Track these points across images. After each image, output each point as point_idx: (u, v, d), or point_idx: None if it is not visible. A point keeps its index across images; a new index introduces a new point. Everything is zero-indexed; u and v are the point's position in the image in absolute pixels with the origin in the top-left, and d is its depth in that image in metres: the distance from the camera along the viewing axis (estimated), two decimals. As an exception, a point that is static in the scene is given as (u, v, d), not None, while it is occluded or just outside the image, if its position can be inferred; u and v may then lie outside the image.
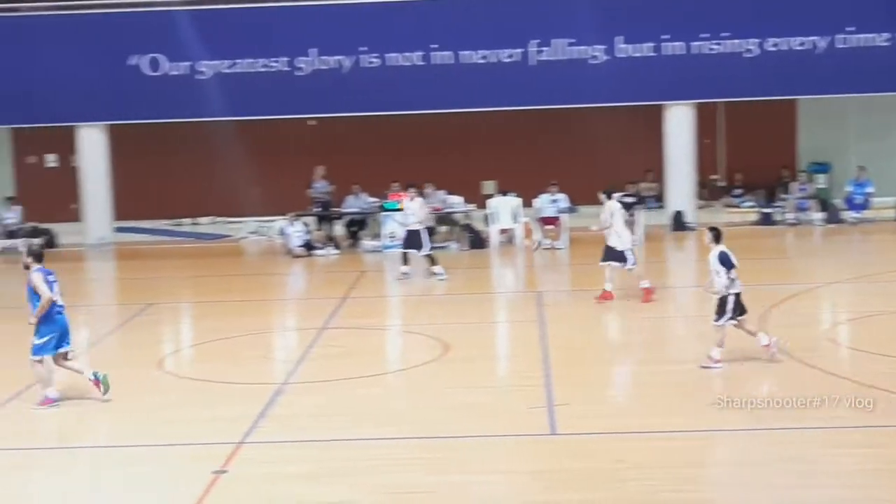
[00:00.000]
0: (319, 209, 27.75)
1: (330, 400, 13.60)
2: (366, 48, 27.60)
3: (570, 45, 27.44)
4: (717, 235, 14.32)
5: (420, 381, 14.63)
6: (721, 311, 14.10)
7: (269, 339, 18.07)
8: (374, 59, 27.62)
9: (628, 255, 18.72)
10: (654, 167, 29.26)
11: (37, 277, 13.87)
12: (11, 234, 28.55)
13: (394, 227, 25.45)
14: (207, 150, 31.01)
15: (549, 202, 26.12)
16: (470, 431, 12.15)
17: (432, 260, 21.85)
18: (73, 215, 29.79)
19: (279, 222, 27.69)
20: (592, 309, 18.39)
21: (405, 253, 21.94)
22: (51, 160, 32.02)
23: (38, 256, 14.17)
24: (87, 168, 28.78)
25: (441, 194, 27.03)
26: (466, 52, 27.52)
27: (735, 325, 14.25)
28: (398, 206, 25.94)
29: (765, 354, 14.27)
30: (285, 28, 27.87)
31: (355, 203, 27.54)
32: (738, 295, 14.09)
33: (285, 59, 27.73)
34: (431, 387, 14.08)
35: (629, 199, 24.95)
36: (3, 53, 27.80)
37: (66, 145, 29.89)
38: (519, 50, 27.48)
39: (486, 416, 12.69)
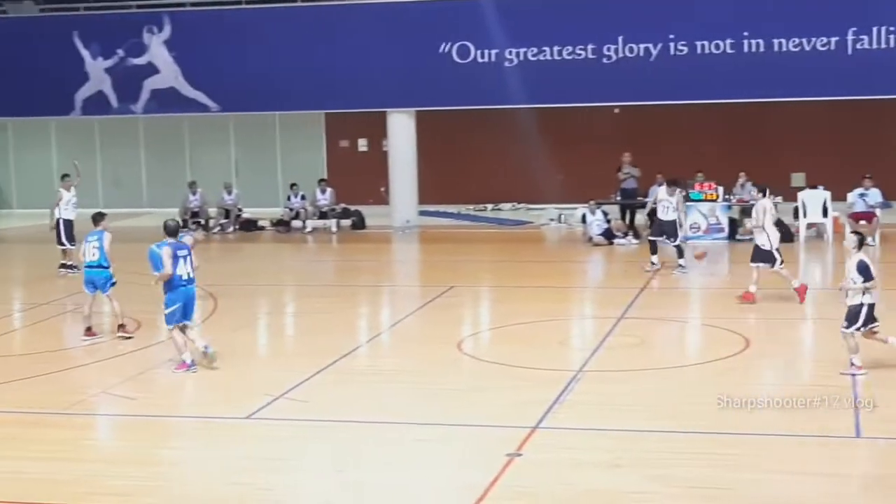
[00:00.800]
0: (622, 198, 27.54)
1: (625, 390, 13.44)
2: (674, 36, 27.16)
3: (891, 32, 26.12)
4: (860, 241, 13.85)
5: (716, 375, 14.26)
6: (852, 319, 13.63)
7: (566, 325, 18.05)
8: (683, 47, 27.15)
9: (776, 255, 18.32)
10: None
11: (166, 251, 14.76)
12: (323, 215, 29.74)
13: (697, 217, 24.98)
14: (511, 137, 31.35)
15: (858, 197, 25.01)
16: (764, 429, 11.75)
17: (680, 252, 21.62)
18: (381, 198, 30.72)
19: (580, 210, 27.66)
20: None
21: (654, 243, 21.77)
22: (362, 144, 33.12)
23: (170, 231, 15.12)
24: (395, 153, 29.58)
25: (748, 186, 26.34)
26: (779, 40, 26.65)
27: (864, 335, 13.69)
28: (702, 197, 25.47)
29: None
30: (593, 15, 27.77)
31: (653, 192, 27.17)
32: (871, 305, 13.57)
33: (592, 46, 27.63)
34: (728, 382, 13.69)
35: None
36: (319, 42, 28.90)
37: (376, 130, 30.83)
38: (835, 38, 26.39)
39: (783, 414, 12.25)
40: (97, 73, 30.28)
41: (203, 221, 29.86)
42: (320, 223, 29.71)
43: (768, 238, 18.43)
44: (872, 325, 13.72)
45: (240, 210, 30.38)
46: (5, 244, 29.09)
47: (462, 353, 15.83)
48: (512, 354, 15.39)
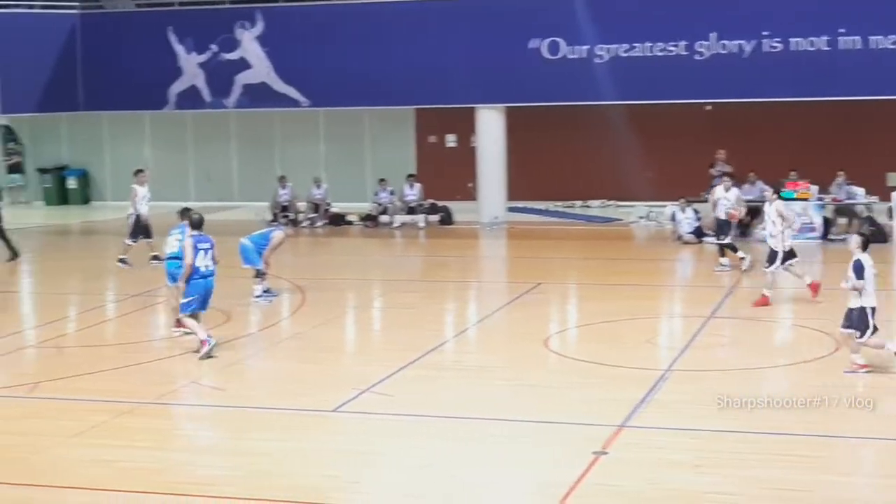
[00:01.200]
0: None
1: (713, 390, 13.27)
2: (768, 32, 26.79)
3: None
4: (864, 243, 13.81)
5: (806, 376, 14.05)
6: (860, 325, 13.59)
7: (653, 324, 17.90)
8: (777, 44, 26.77)
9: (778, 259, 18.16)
10: None
11: (187, 243, 15.27)
12: (411, 210, 29.83)
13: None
14: (600, 134, 31.18)
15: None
16: (850, 432, 11.56)
17: (723, 251, 21.68)
18: (469, 194, 30.72)
19: (670, 208, 27.42)
20: None
21: (721, 245, 21.74)
22: (450, 140, 33.15)
23: (195, 224, 15.57)
24: (484, 149, 29.56)
25: (844, 185, 25.94)
26: (876, 37, 26.15)
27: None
28: (794, 196, 25.11)
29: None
30: (685, 12, 27.50)
31: (750, 191, 26.81)
32: (872, 309, 13.52)
33: (684, 43, 27.36)
34: (817, 383, 13.47)
35: None
36: (409, 37, 28.98)
37: (465, 126, 30.85)
38: (935, 34, 25.86)
39: (872, 417, 12.03)
40: (191, 67, 30.68)
41: (292, 215, 30.11)
42: (408, 218, 29.80)
43: (781, 241, 18.26)
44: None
45: (328, 204, 30.59)
46: (99, 235, 29.59)
47: (549, 351, 15.78)
48: (599, 352, 15.31)
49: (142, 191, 23.53)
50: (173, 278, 16.72)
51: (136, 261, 23.17)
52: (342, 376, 14.55)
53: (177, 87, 30.81)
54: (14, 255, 24.26)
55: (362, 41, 29.27)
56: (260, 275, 19.38)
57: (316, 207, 30.43)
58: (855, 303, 13.63)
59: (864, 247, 13.83)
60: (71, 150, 36.55)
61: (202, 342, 15.32)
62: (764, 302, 18.14)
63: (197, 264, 15.35)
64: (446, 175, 31.91)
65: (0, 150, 36.70)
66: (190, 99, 30.90)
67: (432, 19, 28.95)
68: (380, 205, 30.14)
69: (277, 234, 20.04)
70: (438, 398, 13.28)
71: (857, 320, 13.63)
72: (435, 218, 29.97)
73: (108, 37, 31.26)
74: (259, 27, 30.00)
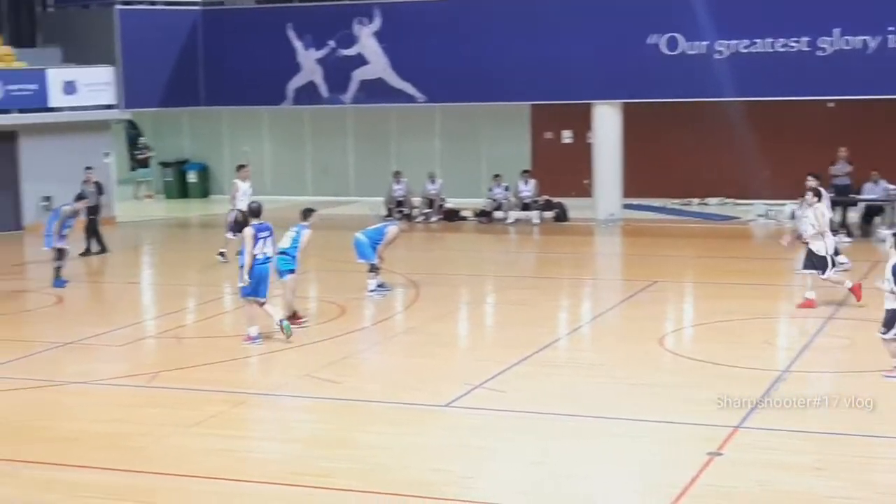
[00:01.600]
0: (835, 194, 26.68)
1: (830, 392, 13.02)
2: (893, 28, 26.14)
3: None
4: None
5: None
6: (889, 324, 13.21)
7: (771, 324, 17.63)
8: (903, 39, 26.14)
9: (829, 261, 17.77)
10: None
11: (247, 232, 15.81)
12: (526, 207, 29.76)
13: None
14: (719, 131, 30.76)
15: None
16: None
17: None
18: (584, 191, 30.56)
19: (789, 206, 26.94)
20: None
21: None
22: (566, 136, 33.01)
23: (253, 213, 16.16)
24: (600, 145, 29.37)
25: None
26: None
27: None
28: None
29: None
30: (808, 7, 26.98)
31: (873, 190, 26.24)
32: None
33: (806, 38, 26.83)
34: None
35: None
36: (525, 33, 28.87)
37: (581, 122, 30.68)
38: None
39: None
40: (309, 63, 31.01)
41: (407, 210, 30.27)
42: (522, 214, 29.75)
43: (825, 244, 17.86)
44: None
45: (443, 200, 30.68)
46: (217, 229, 30.04)
47: (664, 349, 15.63)
48: (715, 352, 15.12)
49: (243, 186, 23.75)
50: (278, 273, 16.91)
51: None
52: (455, 371, 14.60)
53: (295, 83, 31.17)
54: (103, 249, 24.65)
55: (479, 37, 29.28)
56: (374, 269, 19.52)
57: (430, 203, 30.55)
58: (892, 304, 13.27)
59: None
60: (191, 145, 37.23)
61: (248, 336, 15.87)
62: (809, 304, 17.79)
63: (254, 251, 15.82)
64: (562, 171, 31.78)
65: (125, 144, 37.49)
66: (308, 95, 31.24)
67: (550, 14, 28.82)
68: (494, 201, 30.14)
69: (392, 228, 20.16)
70: (551, 395, 13.24)
71: (889, 320, 13.35)
72: (549, 214, 29.87)
73: (229, 33, 31.76)
74: (377, 23, 30.20)
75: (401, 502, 10.10)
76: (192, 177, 36.55)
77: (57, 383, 14.56)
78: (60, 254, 21.03)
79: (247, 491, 10.49)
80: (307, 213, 17.58)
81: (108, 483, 10.70)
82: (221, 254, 23.21)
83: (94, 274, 23.08)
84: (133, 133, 37.94)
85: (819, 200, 18.49)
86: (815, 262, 17.90)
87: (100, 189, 24.88)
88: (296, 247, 17.04)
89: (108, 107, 30.34)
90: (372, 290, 19.41)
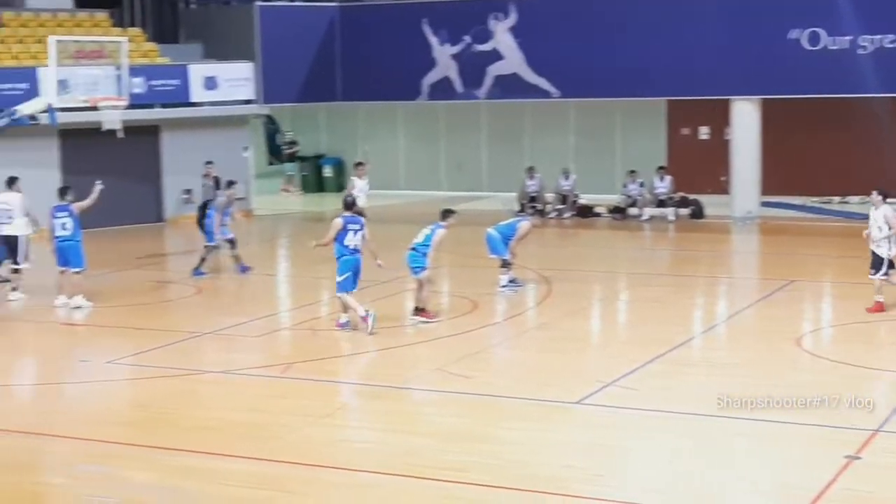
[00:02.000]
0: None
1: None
2: None
3: None
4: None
5: None
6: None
7: (914, 326, 17.13)
8: None
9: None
10: None
11: (336, 221, 16.40)
12: (661, 203, 29.44)
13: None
14: (861, 128, 30.04)
15: None
16: None
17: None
18: (721, 188, 30.11)
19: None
20: None
21: None
22: (703, 132, 32.57)
23: (346, 205, 16.87)
24: (738, 141, 28.91)
25: None
26: None
27: None
28: None
29: None
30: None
31: None
32: None
33: (952, 32, 26.06)
34: None
35: None
36: (661, 28, 28.57)
37: (719, 118, 30.25)
38: None
39: None
40: (444, 59, 31.14)
41: (540, 206, 30.20)
42: (657, 211, 29.43)
43: (889, 246, 17.20)
44: None
45: (577, 196, 30.52)
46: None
47: (801, 350, 15.32)
48: (854, 353, 14.77)
49: (360, 183, 23.96)
50: (414, 271, 16.98)
51: (391, 247, 23.65)
52: (586, 368, 14.53)
53: (430, 79, 31.33)
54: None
55: (615, 31, 29.06)
56: (506, 265, 19.51)
57: (564, 199, 30.41)
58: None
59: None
60: (328, 140, 37.69)
61: (362, 318, 16.16)
62: (879, 308, 17.14)
63: (347, 243, 16.33)
64: (698, 168, 31.37)
65: (264, 139, 38.11)
66: (442, 90, 31.37)
67: (687, 8, 28.47)
68: (629, 197, 29.88)
69: (524, 224, 20.12)
70: (683, 394, 13.08)
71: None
72: (685, 211, 29.50)
73: (366, 29, 32.04)
74: (512, 18, 30.18)
75: (533, 498, 10.08)
76: (327, 171, 37.01)
77: (195, 372, 14.89)
78: (232, 244, 21.46)
79: (378, 483, 10.58)
80: (447, 213, 17.59)
81: (245, 471, 10.89)
82: None
83: (232, 266, 23.51)
84: (272, 128, 38.58)
85: (884, 202, 17.80)
86: (873, 263, 17.40)
87: (217, 184, 25.17)
88: (427, 244, 17.09)
89: (247, 102, 30.90)
90: (504, 286, 19.41)
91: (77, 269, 18.80)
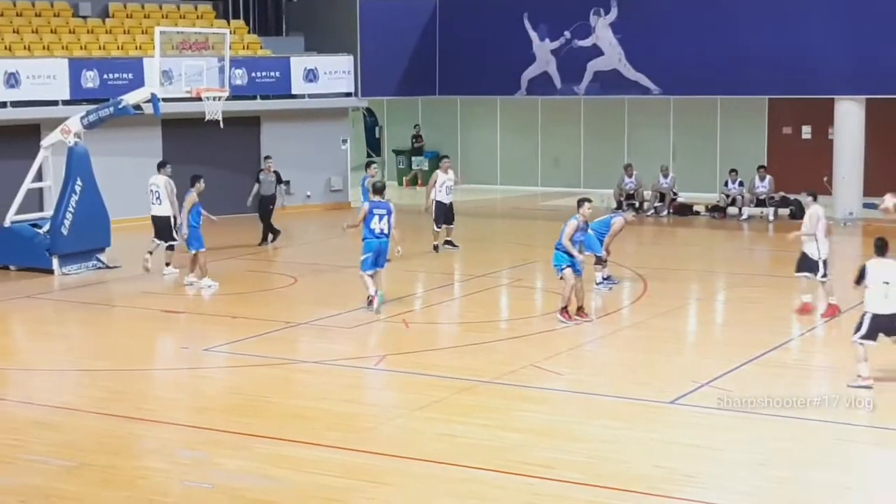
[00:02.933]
0: None
1: None
2: None
3: None
4: (879, 247, 13.60)
5: None
6: (858, 327, 12.88)
7: None
8: None
9: (822, 266, 17.25)
10: None
11: (364, 206, 17.56)
12: (761, 203, 29.04)
13: None
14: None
15: None
16: None
17: None
18: (823, 188, 29.64)
19: None
20: None
21: None
22: (806, 132, 32.08)
23: (377, 190, 17.66)
24: (841, 141, 28.42)
25: None
26: None
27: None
28: None
29: None
30: None
31: None
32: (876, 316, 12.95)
33: None
34: None
35: None
36: (764, 25, 28.18)
37: (822, 117, 29.77)
38: None
39: None
40: (543, 54, 31.06)
41: (637, 203, 29.99)
42: (757, 211, 29.05)
43: (817, 247, 17.17)
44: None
45: (675, 194, 30.25)
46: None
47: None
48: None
49: (443, 177, 23.90)
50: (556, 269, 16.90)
51: (497, 242, 23.69)
52: (681, 368, 14.41)
53: (529, 73, 31.28)
54: (264, 239, 24.89)
55: (716, 28, 28.74)
56: (601, 261, 19.41)
57: (661, 196, 30.16)
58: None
59: (879, 251, 13.61)
60: (425, 133, 37.76)
61: (370, 297, 17.25)
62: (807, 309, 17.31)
63: (372, 227, 17.24)
64: (799, 168, 30.89)
65: (370, 135, 38.40)
66: (541, 85, 31.30)
67: (791, 5, 28.05)
68: (728, 196, 29.53)
69: (617, 220, 19.98)
70: (778, 397, 12.87)
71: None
72: (785, 211, 29.08)
73: (466, 23, 32.08)
74: (613, 14, 30.00)
75: (623, 497, 10.04)
76: (424, 164, 37.10)
77: (290, 361, 15.05)
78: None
79: (468, 477, 10.61)
80: (581, 202, 17.33)
81: (336, 461, 10.99)
82: (434, 247, 23.50)
83: (328, 256, 23.70)
84: (370, 121, 38.81)
85: (814, 202, 17.94)
86: (808, 266, 17.52)
87: (279, 178, 25.14)
88: (560, 240, 16.92)
89: (347, 94, 31.12)
90: (599, 283, 19.31)
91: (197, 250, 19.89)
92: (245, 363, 14.90)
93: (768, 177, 29.34)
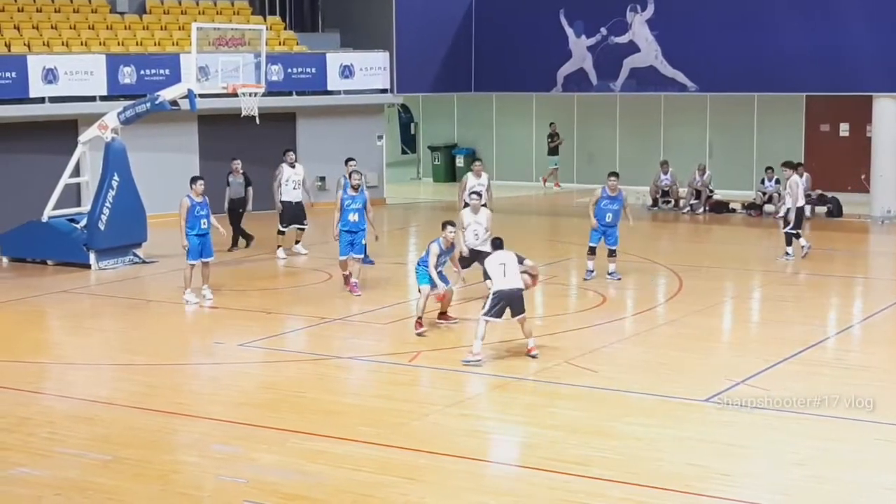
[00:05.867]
0: None
1: None
2: None
3: None
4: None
5: None
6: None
7: None
8: None
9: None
10: None
11: (340, 195, 18.67)
12: (798, 200, 28.82)
13: None
14: None
15: None
16: None
17: None
18: (861, 186, 29.43)
19: None
20: None
21: None
22: (843, 129, 31.85)
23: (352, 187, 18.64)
24: (880, 139, 28.19)
25: None
26: None
27: None
28: None
29: None
30: None
31: None
32: None
33: None
34: None
35: None
36: (801, 22, 27.98)
37: (860, 115, 29.55)
38: None
39: None
40: (580, 50, 30.98)
41: (673, 200, 29.87)
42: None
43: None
44: None
45: (711, 191, 30.10)
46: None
47: (940, 355, 14.89)
48: None
49: (473, 181, 23.34)
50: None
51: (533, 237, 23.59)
52: (716, 366, 14.34)
53: (565, 70, 31.20)
54: (234, 244, 23.51)
55: (753, 25, 28.55)
56: (613, 254, 19.56)
57: (697, 194, 30.03)
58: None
59: None
60: (460, 129, 37.77)
61: (347, 278, 18.89)
62: None
63: (349, 218, 18.59)
64: (837, 165, 30.68)
65: (405, 132, 38.42)
66: (577, 82, 31.22)
67: (830, 2, 27.84)
68: (765, 194, 29.36)
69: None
70: (815, 396, 12.77)
71: None
72: (822, 209, 28.89)
73: (502, 19, 32.03)
74: (650, 10, 29.87)
75: (656, 495, 10.00)
76: (460, 161, 37.08)
77: (324, 357, 15.09)
78: None
79: (502, 473, 10.61)
80: (444, 226, 16.88)
81: (370, 456, 11.01)
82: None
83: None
84: (406, 117, 38.86)
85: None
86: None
87: (247, 181, 23.72)
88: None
89: (382, 91, 31.15)
90: (611, 273, 19.42)
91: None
92: (280, 358, 14.95)
93: (805, 174, 29.14)
